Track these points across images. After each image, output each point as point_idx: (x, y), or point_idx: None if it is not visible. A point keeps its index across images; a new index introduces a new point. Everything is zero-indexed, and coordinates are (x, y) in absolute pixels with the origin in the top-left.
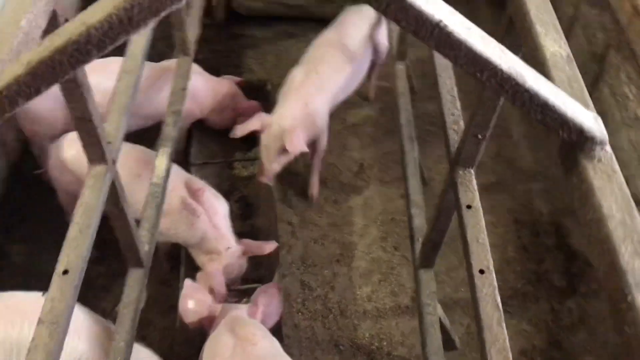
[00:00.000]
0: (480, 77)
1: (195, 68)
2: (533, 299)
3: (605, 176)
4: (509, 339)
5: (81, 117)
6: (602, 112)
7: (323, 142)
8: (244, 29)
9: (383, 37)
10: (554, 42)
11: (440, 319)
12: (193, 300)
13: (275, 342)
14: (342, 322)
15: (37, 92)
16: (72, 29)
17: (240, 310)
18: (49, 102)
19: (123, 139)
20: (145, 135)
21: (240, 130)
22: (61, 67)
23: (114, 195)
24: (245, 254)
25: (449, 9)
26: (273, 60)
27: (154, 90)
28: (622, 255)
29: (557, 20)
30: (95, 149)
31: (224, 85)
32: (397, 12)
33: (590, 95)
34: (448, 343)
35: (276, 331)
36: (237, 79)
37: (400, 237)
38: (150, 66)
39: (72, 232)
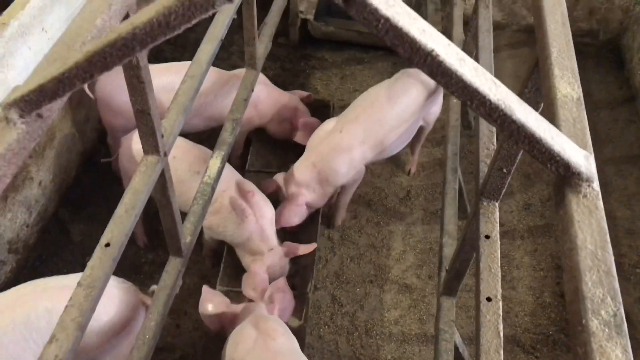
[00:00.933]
0: (471, 105)
1: (262, 79)
2: (564, 348)
3: (587, 211)
4: None
5: (141, 110)
6: None
7: (349, 192)
8: (315, 51)
9: (437, 105)
10: (567, 85)
11: (458, 348)
12: (212, 304)
13: (293, 340)
14: (366, 341)
15: (91, 77)
16: (122, 27)
17: (260, 307)
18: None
19: (178, 135)
20: (206, 140)
21: (265, 189)
22: (111, 58)
23: (163, 185)
24: (287, 256)
25: (445, 41)
26: (337, 83)
27: (222, 94)
28: (586, 283)
29: (576, 65)
30: (150, 140)
31: (287, 98)
32: (394, 39)
33: None
34: None
35: (300, 339)
36: (305, 93)
37: (436, 267)
38: (222, 73)
39: (119, 211)
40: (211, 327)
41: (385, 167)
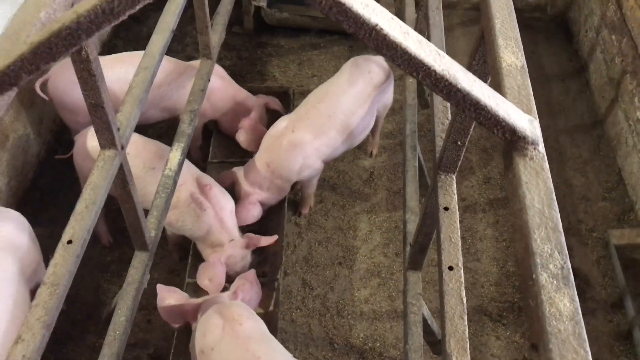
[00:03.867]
0: (417, 76)
1: (219, 71)
2: None
3: (534, 172)
4: (501, 349)
5: (94, 104)
6: (615, 135)
7: (310, 185)
8: (270, 38)
9: (388, 94)
10: (511, 54)
11: (427, 320)
12: (170, 300)
13: (260, 323)
14: (339, 322)
15: (37, 68)
16: (66, 16)
17: (221, 298)
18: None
19: (134, 130)
20: (165, 134)
21: (222, 182)
22: (57, 48)
23: (122, 179)
24: (249, 247)
25: (388, 15)
26: (295, 70)
27: (177, 85)
28: (535, 240)
29: (519, 35)
30: (106, 134)
31: (244, 96)
32: (338, 15)
33: (605, 119)
34: (436, 347)
35: (272, 324)
36: (274, 104)
37: (402, 244)
38: (178, 63)
39: (79, 207)
40: (173, 324)
41: (347, 151)
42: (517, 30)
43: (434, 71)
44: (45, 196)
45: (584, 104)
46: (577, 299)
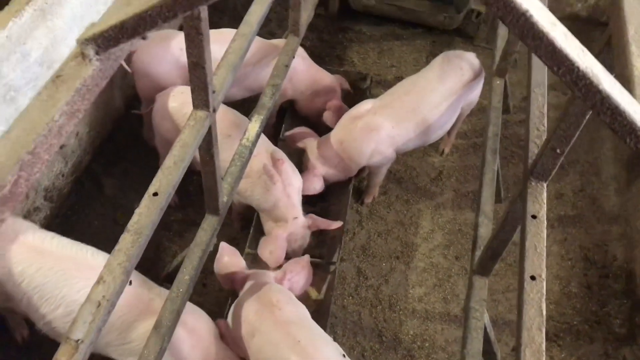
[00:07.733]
0: (557, 71)
1: (301, 53)
2: (587, 339)
3: None
4: None
5: (196, 63)
6: None
7: (378, 174)
8: (354, 24)
9: (476, 92)
10: None
11: (485, 328)
12: (227, 262)
13: (301, 307)
14: (389, 315)
15: (174, 15)
16: None
17: (267, 276)
18: (166, 67)
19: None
20: (240, 106)
21: (293, 140)
22: None
23: (209, 141)
24: (311, 228)
25: (538, 4)
26: (374, 57)
27: (261, 65)
28: None
29: None
30: (201, 95)
31: (325, 76)
32: None
33: None
34: (490, 356)
35: (324, 307)
36: (346, 84)
37: (464, 248)
38: (263, 42)
39: (168, 162)
40: (223, 285)
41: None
42: None
43: (577, 67)
44: (120, 150)
45: None
46: None
